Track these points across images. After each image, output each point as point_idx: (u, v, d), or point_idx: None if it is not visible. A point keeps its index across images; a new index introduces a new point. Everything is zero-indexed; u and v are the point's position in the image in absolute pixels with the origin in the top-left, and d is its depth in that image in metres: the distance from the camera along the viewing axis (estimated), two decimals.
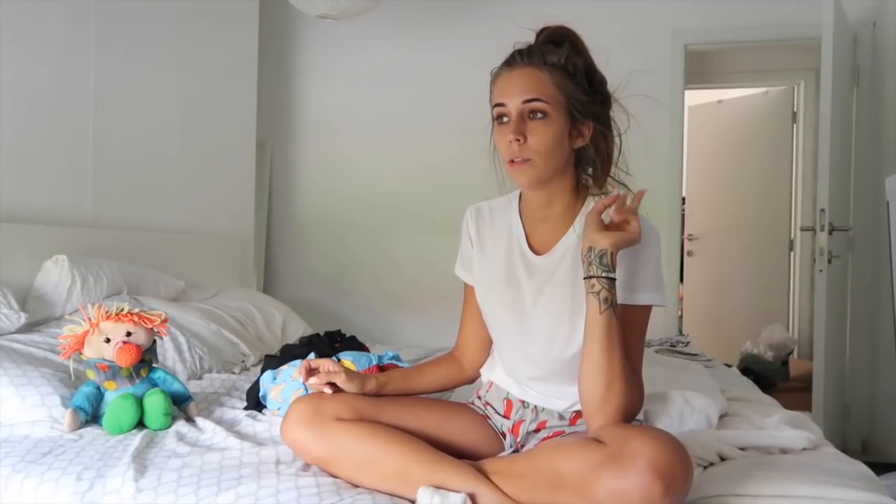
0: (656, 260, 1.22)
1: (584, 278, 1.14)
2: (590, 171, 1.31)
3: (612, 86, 1.28)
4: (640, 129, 1.30)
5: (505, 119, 1.22)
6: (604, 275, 1.11)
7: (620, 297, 1.17)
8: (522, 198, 1.35)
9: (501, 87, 1.23)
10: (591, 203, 1.28)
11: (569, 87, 1.21)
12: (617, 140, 1.28)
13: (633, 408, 1.15)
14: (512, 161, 1.21)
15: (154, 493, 1.17)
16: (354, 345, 1.95)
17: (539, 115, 1.19)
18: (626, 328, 1.17)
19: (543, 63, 1.20)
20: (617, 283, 1.16)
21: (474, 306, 1.42)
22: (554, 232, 1.30)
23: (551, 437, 1.28)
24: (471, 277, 1.42)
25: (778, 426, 1.44)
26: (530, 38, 1.27)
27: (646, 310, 1.22)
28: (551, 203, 1.29)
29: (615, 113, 1.28)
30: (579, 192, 1.30)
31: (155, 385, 1.59)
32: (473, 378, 1.49)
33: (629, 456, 0.97)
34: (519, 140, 1.18)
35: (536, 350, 1.29)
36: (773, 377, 4.23)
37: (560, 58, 1.21)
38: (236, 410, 1.69)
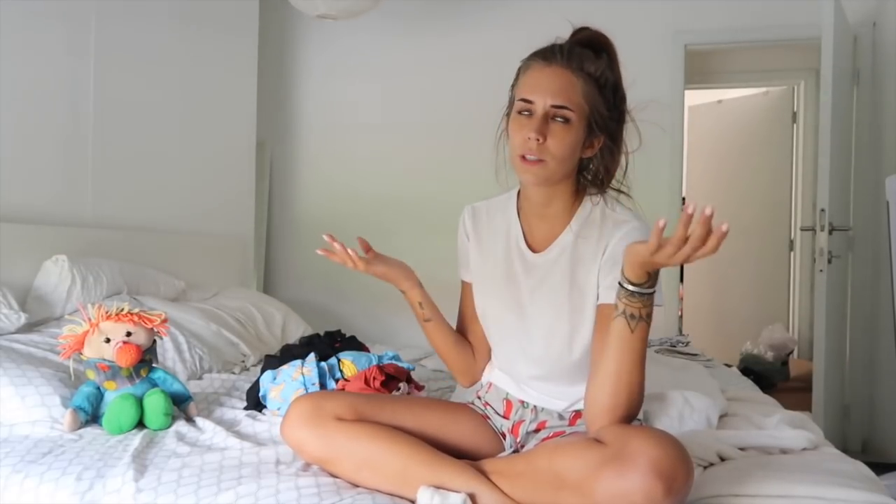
0: None
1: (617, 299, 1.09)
2: (589, 176, 1.30)
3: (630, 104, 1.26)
4: (640, 130, 1.29)
5: (528, 113, 1.21)
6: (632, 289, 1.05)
7: (610, 298, 1.18)
8: (521, 195, 1.35)
9: (533, 81, 1.21)
10: (587, 204, 1.28)
11: (596, 99, 1.20)
12: (622, 159, 1.27)
13: (636, 412, 1.16)
14: (524, 157, 1.20)
15: (154, 493, 1.17)
16: (354, 345, 1.95)
17: (563, 119, 1.18)
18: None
19: (580, 69, 1.20)
20: (605, 282, 1.19)
21: (469, 306, 1.44)
22: (552, 230, 1.30)
23: (551, 437, 1.28)
24: (470, 276, 1.42)
25: (778, 426, 1.45)
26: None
27: None
28: (551, 202, 1.29)
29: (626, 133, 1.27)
30: (577, 193, 1.30)
31: (155, 385, 1.59)
32: (477, 378, 1.48)
33: (630, 456, 0.97)
34: (539, 140, 1.18)
35: (537, 349, 1.29)
36: (773, 377, 4.23)
37: (597, 69, 1.20)
38: (236, 410, 1.69)
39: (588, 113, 1.20)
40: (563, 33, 1.26)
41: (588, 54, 1.21)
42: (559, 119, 1.19)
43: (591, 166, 1.29)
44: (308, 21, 3.74)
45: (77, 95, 2.49)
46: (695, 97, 4.86)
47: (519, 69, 1.27)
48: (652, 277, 1.04)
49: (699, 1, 3.47)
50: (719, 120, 5.01)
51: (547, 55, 1.22)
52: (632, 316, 1.06)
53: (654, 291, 1.06)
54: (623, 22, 3.43)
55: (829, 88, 2.73)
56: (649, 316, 1.07)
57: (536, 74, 1.21)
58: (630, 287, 1.05)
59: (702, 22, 3.47)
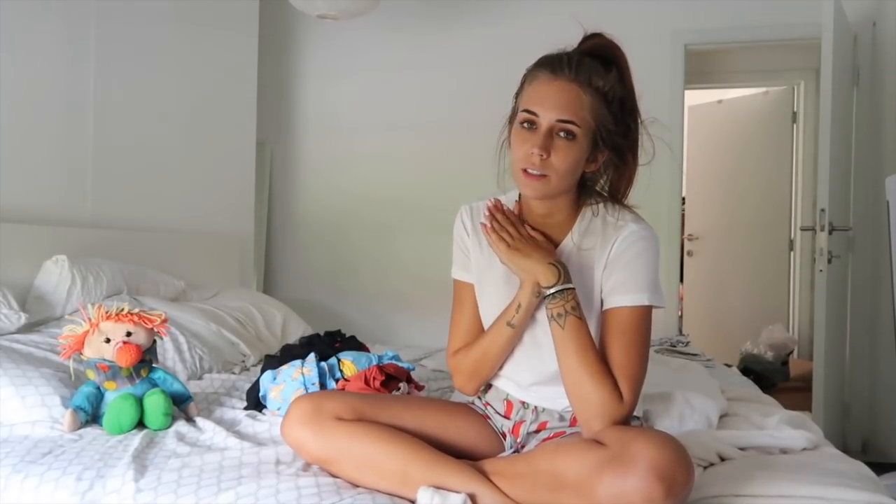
0: (646, 261, 1.21)
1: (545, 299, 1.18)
2: (599, 189, 1.30)
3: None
4: (646, 144, 1.28)
5: (532, 126, 1.18)
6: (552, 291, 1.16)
7: (611, 302, 1.20)
8: (522, 202, 1.33)
9: (539, 94, 1.18)
10: (587, 213, 1.27)
11: (603, 114, 1.18)
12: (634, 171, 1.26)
13: (625, 413, 1.15)
14: (526, 171, 1.18)
15: (154, 493, 1.17)
16: (354, 345, 1.95)
17: (568, 135, 1.16)
18: (613, 332, 1.18)
19: (589, 84, 1.16)
20: (606, 287, 1.21)
21: (473, 306, 1.37)
22: (552, 240, 1.29)
23: (552, 437, 1.28)
24: (470, 276, 1.37)
25: (778, 426, 1.45)
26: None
27: (636, 311, 1.20)
28: (551, 214, 1.28)
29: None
30: (578, 204, 1.29)
31: (155, 385, 1.58)
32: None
33: (630, 458, 0.97)
34: (542, 156, 1.16)
35: (541, 360, 1.27)
36: (773, 377, 4.23)
37: (605, 83, 1.17)
38: (236, 410, 1.69)
39: (594, 128, 1.18)
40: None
41: (597, 67, 1.18)
42: (564, 135, 1.16)
43: (601, 179, 1.28)
44: (308, 21, 3.74)
45: (77, 95, 2.49)
46: (695, 97, 4.86)
47: (524, 77, 1.23)
48: (562, 275, 1.17)
49: (699, 1, 3.47)
50: (719, 120, 5.01)
51: (555, 66, 1.18)
52: (558, 315, 1.16)
53: (571, 287, 1.17)
54: (622, 21, 3.41)
55: (829, 88, 2.73)
56: (574, 308, 1.17)
57: (543, 87, 1.18)
58: (548, 291, 1.17)
59: (702, 22, 3.47)
